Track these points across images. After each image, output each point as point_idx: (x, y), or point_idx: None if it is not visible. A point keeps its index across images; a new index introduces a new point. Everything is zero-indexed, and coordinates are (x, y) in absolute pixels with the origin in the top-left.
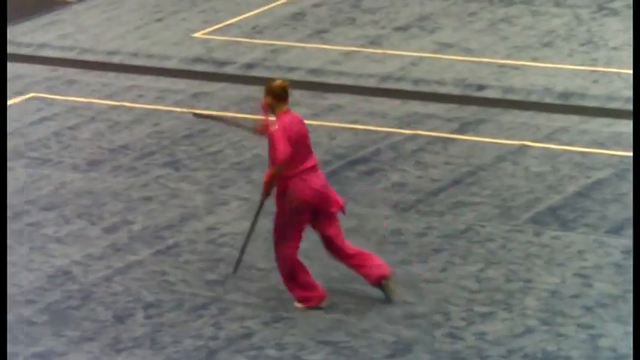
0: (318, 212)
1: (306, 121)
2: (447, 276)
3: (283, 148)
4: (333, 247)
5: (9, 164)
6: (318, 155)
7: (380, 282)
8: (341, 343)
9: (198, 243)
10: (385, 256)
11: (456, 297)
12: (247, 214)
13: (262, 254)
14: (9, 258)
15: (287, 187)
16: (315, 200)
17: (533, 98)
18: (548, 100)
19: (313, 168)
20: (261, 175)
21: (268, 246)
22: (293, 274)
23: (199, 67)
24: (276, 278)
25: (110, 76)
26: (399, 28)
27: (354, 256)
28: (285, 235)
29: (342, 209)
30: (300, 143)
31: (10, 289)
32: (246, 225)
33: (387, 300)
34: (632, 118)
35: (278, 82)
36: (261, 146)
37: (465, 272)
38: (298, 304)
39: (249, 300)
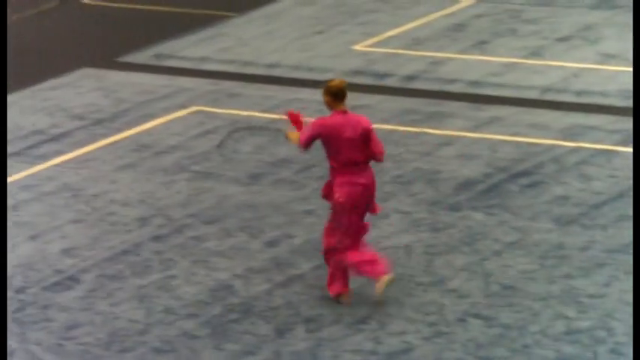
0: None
1: (465, 133)
2: (610, 291)
3: (303, 140)
4: None
5: (171, 178)
6: (478, 168)
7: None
8: (502, 358)
9: None
10: (547, 271)
11: (620, 312)
12: (409, 227)
13: (422, 268)
14: (172, 272)
15: (333, 189)
16: (364, 194)
17: None
18: None
19: (356, 168)
20: (422, 188)
21: (429, 260)
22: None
23: (359, 80)
24: (437, 292)
25: (271, 89)
26: (560, 39)
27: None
28: (345, 233)
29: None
30: (337, 145)
31: (172, 303)
32: (407, 238)
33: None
34: None
35: (336, 82)
36: (422, 160)
37: (629, 287)
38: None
39: (409, 314)
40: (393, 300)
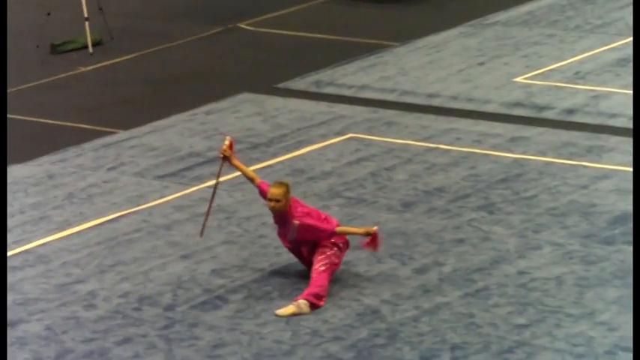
0: None
1: (624, 168)
2: None
3: (328, 224)
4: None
5: (324, 203)
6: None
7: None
8: None
9: (508, 287)
10: None
11: None
12: (560, 259)
13: (572, 300)
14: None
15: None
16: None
17: None
18: None
19: None
20: (576, 221)
21: (580, 292)
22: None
23: (519, 112)
24: (587, 324)
25: (429, 119)
26: None
27: None
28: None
29: None
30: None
31: (319, 325)
32: (558, 270)
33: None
34: None
35: (285, 184)
36: (577, 193)
37: None
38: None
39: (556, 345)
40: (541, 330)
